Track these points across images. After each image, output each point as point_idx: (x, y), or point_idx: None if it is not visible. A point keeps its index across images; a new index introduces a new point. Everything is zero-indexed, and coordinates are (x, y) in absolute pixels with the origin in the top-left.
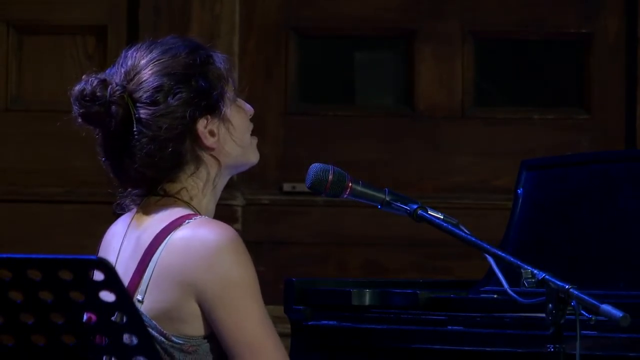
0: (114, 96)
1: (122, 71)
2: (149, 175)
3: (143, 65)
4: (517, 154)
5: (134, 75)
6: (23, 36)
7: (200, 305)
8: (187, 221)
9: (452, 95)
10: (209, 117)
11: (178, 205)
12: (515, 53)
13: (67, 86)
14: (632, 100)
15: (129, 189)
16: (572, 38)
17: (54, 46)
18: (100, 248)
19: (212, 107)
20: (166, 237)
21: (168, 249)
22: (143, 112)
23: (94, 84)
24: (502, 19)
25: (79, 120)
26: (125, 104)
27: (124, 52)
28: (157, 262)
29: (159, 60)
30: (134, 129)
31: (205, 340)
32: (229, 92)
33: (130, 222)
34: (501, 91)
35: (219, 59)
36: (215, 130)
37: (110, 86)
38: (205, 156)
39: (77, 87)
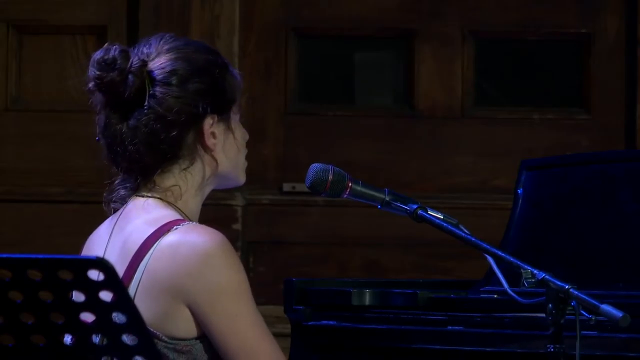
0: (134, 67)
1: (145, 51)
2: (145, 159)
3: (165, 50)
4: (517, 154)
5: (156, 57)
6: (23, 36)
7: (191, 310)
8: (175, 227)
9: (452, 95)
10: (216, 117)
11: (165, 208)
12: (515, 53)
13: (67, 86)
14: (632, 100)
15: (118, 182)
16: (572, 38)
17: (54, 46)
18: (81, 253)
19: (222, 108)
20: (154, 243)
21: (156, 256)
22: (158, 90)
23: (116, 52)
24: (502, 19)
25: (91, 84)
26: (143, 77)
27: (146, 38)
28: (145, 268)
29: (182, 49)
30: (145, 104)
31: (198, 341)
32: (237, 106)
33: (114, 226)
34: (501, 91)
35: (237, 73)
36: (218, 134)
37: (131, 58)
38: (203, 155)
39: (98, 52)
